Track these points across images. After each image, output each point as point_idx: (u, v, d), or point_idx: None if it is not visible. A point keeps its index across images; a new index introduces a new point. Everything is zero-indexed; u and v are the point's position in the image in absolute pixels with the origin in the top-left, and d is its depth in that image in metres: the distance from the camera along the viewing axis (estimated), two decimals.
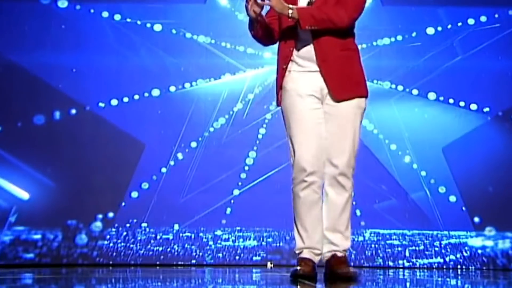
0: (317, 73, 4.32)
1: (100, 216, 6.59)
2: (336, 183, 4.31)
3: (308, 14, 4.24)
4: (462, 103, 6.65)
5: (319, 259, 4.36)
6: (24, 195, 6.56)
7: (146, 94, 6.68)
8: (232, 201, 6.64)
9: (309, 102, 4.32)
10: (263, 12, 4.36)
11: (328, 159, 4.31)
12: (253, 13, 4.26)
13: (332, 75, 4.29)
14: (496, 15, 6.67)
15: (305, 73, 4.33)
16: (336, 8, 4.27)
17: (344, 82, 4.30)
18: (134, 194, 6.62)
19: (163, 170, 6.63)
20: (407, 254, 6.53)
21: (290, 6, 4.23)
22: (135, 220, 6.61)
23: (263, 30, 4.38)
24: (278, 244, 6.61)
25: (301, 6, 4.30)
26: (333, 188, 4.32)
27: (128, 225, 6.60)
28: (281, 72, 4.38)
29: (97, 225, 6.59)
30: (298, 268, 4.31)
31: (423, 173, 6.60)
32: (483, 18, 6.67)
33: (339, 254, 4.33)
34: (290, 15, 4.22)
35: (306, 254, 4.33)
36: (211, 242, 6.61)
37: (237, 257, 6.60)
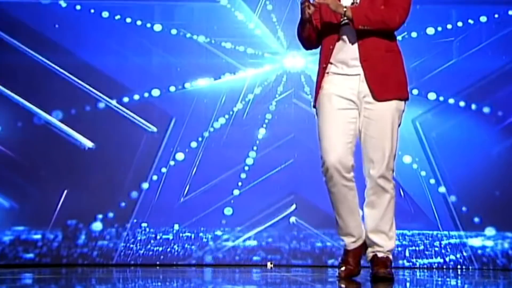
0: (356, 77, 4.32)
1: (100, 216, 6.59)
2: (376, 185, 4.33)
3: (362, 14, 4.26)
4: (462, 103, 6.64)
5: (361, 243, 4.42)
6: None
7: (146, 94, 6.68)
8: (232, 201, 6.63)
9: (341, 103, 4.32)
10: None
11: (368, 162, 4.33)
12: (307, 14, 4.28)
13: (375, 74, 4.30)
14: (496, 15, 6.67)
15: (343, 77, 4.34)
16: (388, 9, 4.29)
17: (386, 82, 4.31)
18: (134, 194, 6.61)
19: (163, 170, 6.63)
20: (407, 254, 6.53)
21: (344, 5, 4.25)
22: (135, 220, 6.61)
23: (313, 32, 4.41)
24: (278, 244, 6.61)
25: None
26: (374, 190, 4.35)
27: (128, 225, 6.60)
28: (321, 73, 4.39)
29: (97, 225, 6.59)
30: (343, 268, 4.42)
31: (423, 173, 6.60)
32: (483, 18, 6.66)
33: (380, 254, 4.36)
34: (344, 14, 4.24)
35: (349, 245, 4.41)
36: (211, 242, 6.60)
37: (237, 257, 6.59)
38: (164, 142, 6.65)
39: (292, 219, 6.58)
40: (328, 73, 4.37)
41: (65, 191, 6.56)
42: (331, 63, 4.36)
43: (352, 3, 4.32)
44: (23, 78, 6.62)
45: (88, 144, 6.63)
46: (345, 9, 4.25)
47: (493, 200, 6.54)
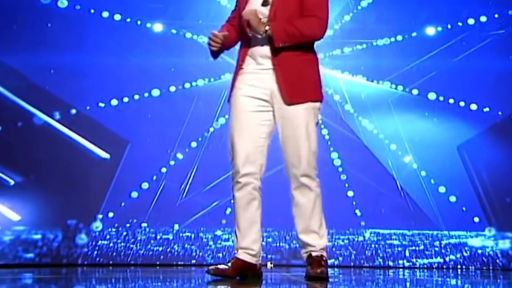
0: (269, 71, 4.27)
1: (100, 216, 6.59)
2: (300, 185, 4.32)
3: (281, 31, 4.20)
4: (462, 103, 6.65)
5: (258, 259, 4.38)
6: (14, 217, 6.56)
7: (146, 94, 6.68)
8: (232, 201, 6.62)
9: (252, 105, 4.30)
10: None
11: (288, 163, 4.33)
12: (215, 48, 4.35)
13: (286, 78, 4.26)
14: (496, 15, 6.67)
15: (260, 72, 4.30)
16: (307, 21, 4.23)
17: (297, 86, 4.26)
18: (134, 194, 6.62)
19: (163, 170, 6.63)
20: (407, 254, 6.53)
21: (266, 23, 4.19)
22: (135, 220, 6.61)
23: (228, 48, 4.44)
24: (278, 244, 6.61)
25: (253, 5, 4.26)
26: (298, 190, 4.34)
27: (128, 225, 6.60)
28: (236, 70, 4.38)
29: (97, 225, 6.59)
30: (222, 266, 4.36)
31: (423, 173, 6.60)
32: (483, 18, 6.67)
33: (314, 253, 4.33)
34: (266, 32, 4.19)
35: (240, 254, 4.37)
36: (211, 242, 6.60)
37: None
38: (164, 142, 6.65)
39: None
40: (243, 68, 4.33)
41: (65, 191, 6.56)
42: (249, 56, 4.32)
43: (263, 4, 4.27)
44: (23, 78, 6.62)
45: (89, 143, 6.63)
46: (266, 27, 4.18)
47: (493, 200, 6.54)
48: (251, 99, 4.30)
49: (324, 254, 4.36)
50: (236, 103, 4.33)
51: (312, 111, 4.30)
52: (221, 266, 4.38)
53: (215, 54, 4.42)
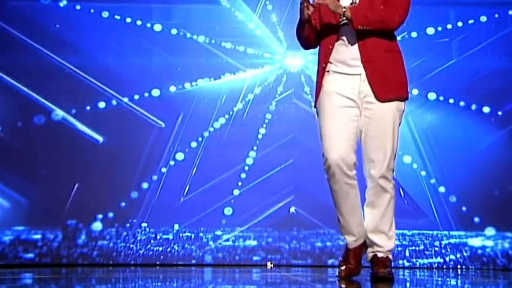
0: (356, 77, 4.32)
1: (100, 216, 6.59)
2: (377, 185, 4.34)
3: (361, 14, 4.25)
4: (462, 103, 6.64)
5: (362, 242, 4.43)
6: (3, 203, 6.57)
7: (146, 94, 6.68)
8: (232, 201, 6.63)
9: (342, 101, 4.33)
10: None
11: (368, 162, 4.33)
12: (306, 15, 4.28)
13: (377, 75, 4.30)
14: (496, 15, 6.67)
15: (344, 76, 4.34)
16: (388, 9, 4.29)
17: (387, 82, 4.32)
18: (134, 194, 6.61)
19: (163, 170, 6.63)
20: (407, 254, 6.53)
21: (344, 5, 4.25)
22: (135, 220, 6.61)
23: (312, 32, 4.42)
24: (278, 244, 6.61)
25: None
26: (374, 190, 4.35)
27: (128, 225, 6.60)
28: (321, 72, 4.39)
29: (97, 225, 6.59)
30: (346, 267, 4.42)
31: (423, 173, 6.60)
32: (483, 18, 6.67)
33: (380, 254, 4.37)
34: (343, 13, 4.23)
35: (351, 244, 4.42)
36: (211, 242, 6.60)
37: (237, 257, 6.59)
38: (164, 142, 6.65)
39: (292, 209, 6.57)
40: (328, 71, 4.37)
41: (66, 191, 6.56)
42: (331, 63, 4.37)
43: (351, 3, 4.33)
44: (23, 77, 6.62)
45: (89, 143, 6.62)
46: (344, 9, 4.25)
47: (493, 200, 6.54)
48: (340, 96, 4.32)
49: (390, 256, 4.40)
50: (326, 100, 4.34)
51: (398, 112, 4.35)
52: (345, 268, 4.41)
53: (304, 24, 4.38)
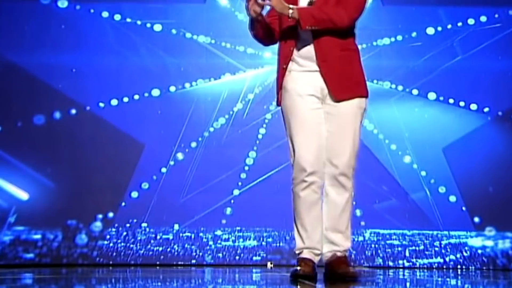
0: (317, 73, 4.32)
1: (100, 216, 6.59)
2: (336, 183, 4.31)
3: (309, 14, 4.24)
4: (462, 103, 6.65)
5: (319, 259, 4.37)
6: (23, 195, 6.56)
7: (146, 94, 6.68)
8: (232, 201, 6.64)
9: (309, 102, 4.32)
10: (264, 12, 4.36)
11: (328, 159, 4.31)
12: (253, 12, 4.27)
13: (332, 75, 4.30)
14: (496, 15, 6.67)
15: (306, 73, 4.34)
16: (336, 8, 4.27)
17: (343, 82, 4.31)
18: (134, 194, 6.62)
19: (163, 170, 6.63)
20: (407, 254, 6.53)
21: (291, 6, 4.23)
22: (135, 220, 6.61)
23: (264, 30, 4.39)
24: (278, 244, 6.61)
25: (301, 6, 4.30)
26: (333, 188, 4.32)
27: (128, 225, 6.60)
28: (281, 72, 4.38)
29: (97, 225, 6.59)
30: (298, 268, 4.31)
31: (423, 173, 6.60)
32: (483, 18, 6.67)
33: (339, 254, 4.33)
34: (290, 15, 4.22)
35: (306, 254, 4.33)
36: (211, 242, 6.61)
37: (237, 257, 6.59)
38: (164, 142, 6.65)
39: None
40: (289, 71, 4.35)
41: (66, 191, 6.56)
42: (292, 61, 4.34)
43: (309, 4, 4.31)
44: (23, 78, 6.62)
45: (89, 143, 6.63)
46: (291, 10, 4.22)
47: (493, 200, 6.54)
48: (306, 97, 4.31)
49: (347, 255, 4.36)
50: (292, 102, 4.33)
51: (359, 109, 4.33)
52: (300, 269, 4.31)
53: (253, 23, 4.35)
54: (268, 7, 4.36)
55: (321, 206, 4.33)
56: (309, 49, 4.32)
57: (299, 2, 4.33)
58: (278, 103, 4.43)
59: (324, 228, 4.35)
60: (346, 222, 4.34)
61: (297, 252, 4.38)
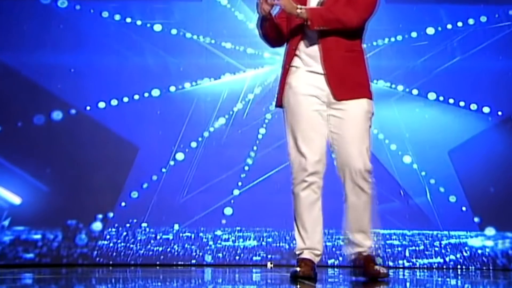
0: (322, 76, 4.31)
1: (100, 216, 6.59)
2: (355, 186, 4.32)
3: (317, 14, 4.24)
4: (462, 103, 6.65)
5: (319, 260, 4.37)
6: (15, 200, 6.56)
7: (146, 94, 6.68)
8: (232, 201, 6.64)
9: (313, 103, 4.32)
10: (274, 12, 4.37)
11: (344, 163, 4.31)
12: (263, 11, 4.27)
13: (334, 75, 4.29)
14: (496, 15, 6.67)
15: (310, 74, 4.33)
16: (346, 8, 4.27)
17: (345, 83, 4.30)
18: (134, 194, 6.62)
19: (163, 170, 6.63)
20: (407, 254, 6.53)
21: (299, 6, 4.24)
22: (135, 220, 6.61)
23: (273, 30, 4.41)
24: (278, 244, 6.61)
25: (311, 6, 4.30)
26: (352, 191, 4.33)
27: (128, 225, 6.60)
28: (286, 69, 4.38)
29: (97, 225, 6.59)
30: (298, 269, 4.30)
31: (423, 173, 6.60)
32: (483, 18, 6.67)
33: (365, 253, 4.36)
34: (299, 15, 4.22)
35: (306, 254, 4.34)
36: (211, 242, 6.61)
37: (237, 257, 6.59)
38: (164, 142, 6.65)
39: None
40: (295, 68, 4.35)
41: (65, 191, 6.56)
42: (297, 57, 4.35)
43: (318, 4, 4.31)
44: (24, 78, 6.62)
45: (89, 143, 6.63)
46: (299, 10, 4.22)
47: (493, 200, 6.54)
48: (309, 97, 4.32)
49: (372, 254, 4.38)
50: (295, 101, 4.32)
51: (367, 114, 4.33)
52: (300, 269, 4.31)
53: (263, 21, 4.37)
54: (277, 8, 4.36)
55: (320, 206, 4.34)
56: (315, 49, 4.32)
57: (309, 2, 4.33)
58: (278, 104, 4.42)
59: (348, 230, 4.37)
60: (368, 223, 4.37)
61: (297, 252, 4.38)
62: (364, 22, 4.34)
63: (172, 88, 6.69)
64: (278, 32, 4.41)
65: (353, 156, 4.29)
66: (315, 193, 4.31)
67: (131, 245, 6.59)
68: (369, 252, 4.37)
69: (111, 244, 6.59)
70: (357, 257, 4.37)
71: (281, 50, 6.61)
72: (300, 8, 4.23)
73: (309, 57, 4.33)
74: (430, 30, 6.67)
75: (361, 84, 4.35)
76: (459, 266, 6.51)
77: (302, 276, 4.27)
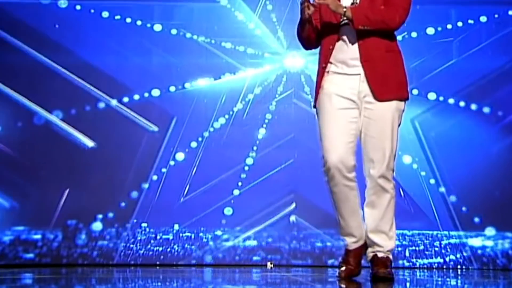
0: (356, 77, 4.33)
1: (100, 216, 6.59)
2: (376, 185, 4.34)
3: (362, 14, 4.27)
4: (462, 103, 6.64)
5: (362, 243, 4.42)
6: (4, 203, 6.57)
7: (146, 94, 6.68)
8: (232, 201, 6.63)
9: (342, 102, 4.34)
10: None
11: (368, 162, 4.34)
12: (307, 14, 4.29)
13: (376, 74, 4.31)
14: (496, 15, 6.67)
15: (343, 76, 4.35)
16: (388, 9, 4.31)
17: (387, 83, 4.33)
18: (134, 194, 6.61)
19: (163, 170, 6.63)
20: (407, 254, 6.53)
21: (344, 5, 4.27)
22: (135, 220, 6.61)
23: (313, 32, 4.42)
24: (278, 244, 6.61)
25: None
26: (374, 190, 4.35)
27: (128, 225, 6.60)
28: (321, 72, 4.40)
29: (97, 225, 6.59)
30: (342, 269, 4.43)
31: (423, 173, 6.60)
32: (483, 18, 6.66)
33: (380, 254, 4.37)
34: (345, 13, 4.24)
35: (350, 245, 4.42)
36: (211, 242, 6.60)
37: (237, 257, 6.59)
38: (164, 142, 6.65)
39: (292, 218, 6.58)
40: (328, 72, 4.38)
41: (65, 191, 6.56)
42: (331, 63, 4.38)
43: (352, 3, 4.34)
44: (24, 78, 6.63)
45: (89, 143, 6.63)
46: (345, 9, 4.27)
47: (493, 200, 6.54)
48: (340, 98, 4.34)
49: (390, 256, 4.41)
50: (326, 102, 4.35)
51: (397, 112, 4.35)
52: (345, 268, 4.42)
53: (305, 24, 4.40)
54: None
55: (355, 195, 4.36)
56: (352, 52, 4.33)
57: (342, 2, 4.34)
58: (315, 104, 4.43)
59: (368, 230, 4.40)
60: (389, 223, 4.39)
61: (342, 238, 4.48)
62: (404, 22, 4.38)
63: (172, 88, 6.69)
64: (317, 33, 4.44)
65: (376, 155, 4.33)
66: (345, 186, 4.31)
67: (131, 245, 6.59)
68: (387, 254, 4.39)
69: (111, 244, 6.59)
70: (372, 258, 4.39)
71: (282, 50, 6.67)
72: (345, 7, 4.26)
73: (346, 59, 4.34)
74: (430, 30, 6.67)
75: (400, 84, 4.38)
76: (459, 266, 6.51)
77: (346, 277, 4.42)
